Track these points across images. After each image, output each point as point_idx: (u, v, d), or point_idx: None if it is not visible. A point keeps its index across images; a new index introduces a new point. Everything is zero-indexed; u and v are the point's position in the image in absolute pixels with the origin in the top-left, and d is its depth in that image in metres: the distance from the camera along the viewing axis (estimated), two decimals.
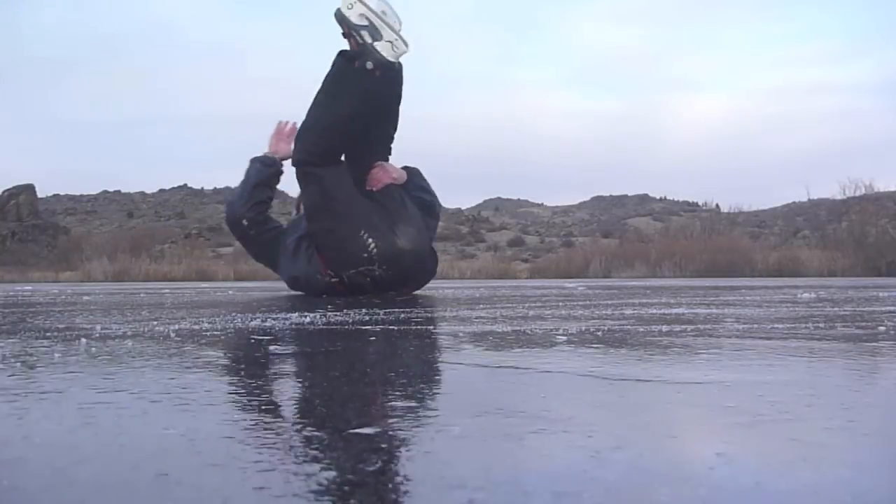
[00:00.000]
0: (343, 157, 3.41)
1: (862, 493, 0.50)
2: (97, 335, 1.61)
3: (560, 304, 2.69)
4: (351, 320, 1.94)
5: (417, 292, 3.86)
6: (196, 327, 1.74)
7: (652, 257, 16.81)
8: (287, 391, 0.87)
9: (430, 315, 2.09)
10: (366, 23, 3.05)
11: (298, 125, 3.41)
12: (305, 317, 2.07)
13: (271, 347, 1.31)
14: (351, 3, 3.07)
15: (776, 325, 1.82)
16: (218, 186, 36.04)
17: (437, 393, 0.87)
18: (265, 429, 0.68)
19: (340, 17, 3.10)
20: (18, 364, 1.16)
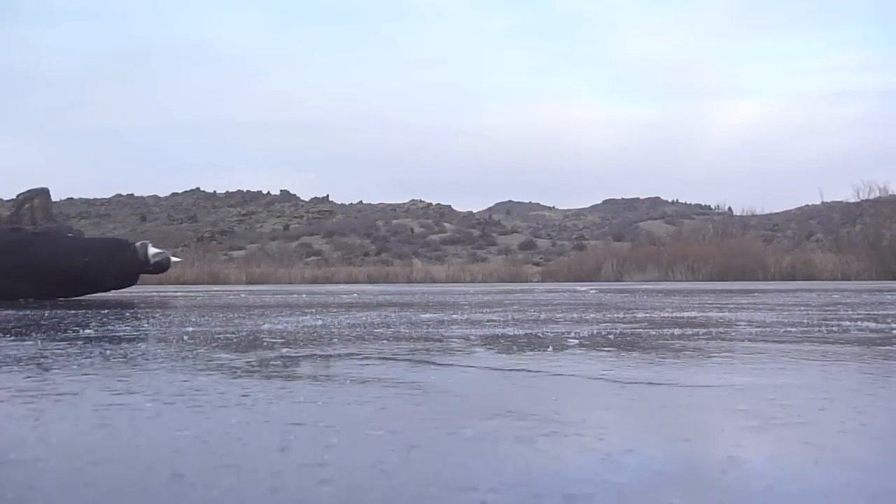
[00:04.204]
0: None
1: (874, 496, 0.50)
2: (111, 337, 1.62)
3: (572, 307, 2.69)
4: (361, 323, 1.95)
5: (436, 298, 3.85)
6: (209, 329, 1.75)
7: (664, 260, 16.71)
8: (300, 393, 0.88)
9: (441, 318, 2.09)
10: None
11: None
12: (318, 320, 2.08)
13: (284, 350, 1.32)
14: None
15: (789, 329, 1.81)
16: (230, 190, 36.19)
17: (450, 395, 0.88)
18: (278, 431, 0.69)
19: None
20: (33, 366, 1.17)
